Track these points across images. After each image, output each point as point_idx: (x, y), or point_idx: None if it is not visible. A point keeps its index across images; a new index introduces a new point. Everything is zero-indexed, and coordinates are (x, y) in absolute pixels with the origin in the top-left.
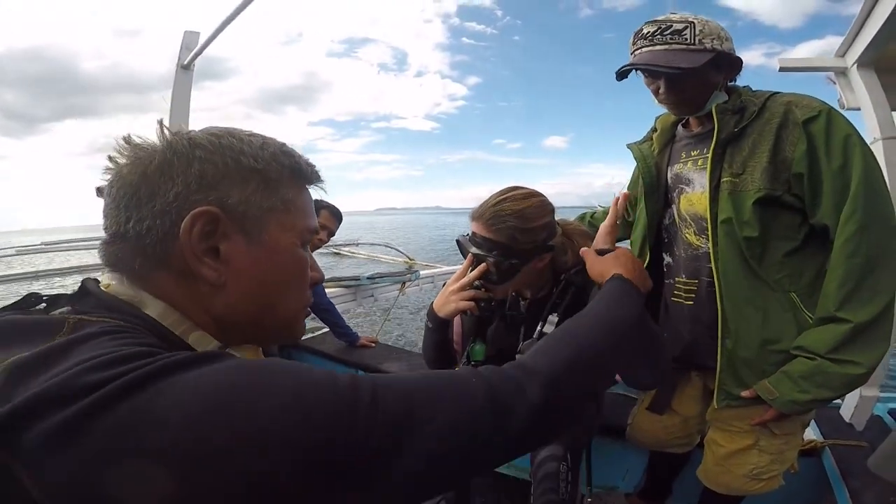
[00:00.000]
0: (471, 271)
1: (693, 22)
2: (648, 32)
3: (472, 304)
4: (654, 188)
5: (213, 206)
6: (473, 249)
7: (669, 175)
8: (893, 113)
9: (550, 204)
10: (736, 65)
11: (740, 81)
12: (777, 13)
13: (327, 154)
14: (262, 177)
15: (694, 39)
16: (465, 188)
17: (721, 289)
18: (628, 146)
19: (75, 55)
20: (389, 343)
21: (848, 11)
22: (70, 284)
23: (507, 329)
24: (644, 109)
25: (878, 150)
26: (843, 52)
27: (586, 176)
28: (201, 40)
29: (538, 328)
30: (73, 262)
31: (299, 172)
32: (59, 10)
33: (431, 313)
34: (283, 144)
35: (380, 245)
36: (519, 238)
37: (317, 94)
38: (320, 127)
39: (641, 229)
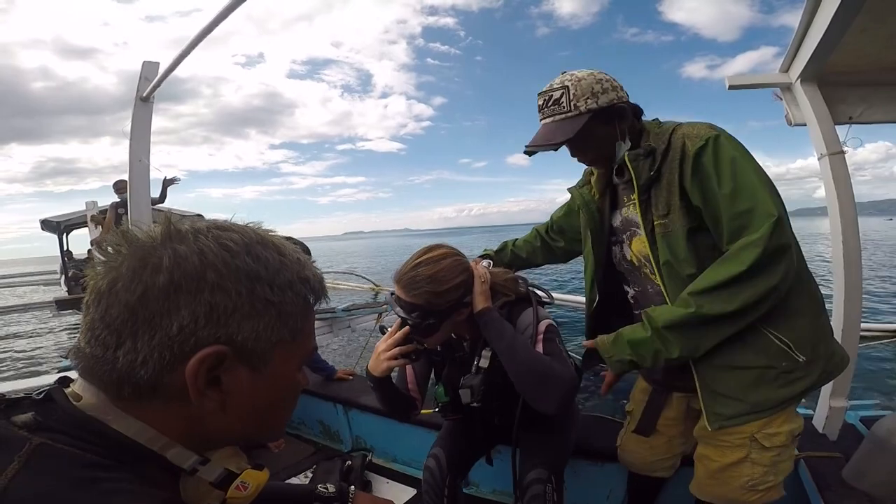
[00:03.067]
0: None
1: (568, 87)
2: (540, 105)
3: (400, 360)
4: (599, 231)
5: (221, 347)
6: (397, 311)
7: (619, 219)
8: (838, 127)
9: (464, 262)
10: (624, 113)
11: (679, 97)
12: (717, 27)
13: (291, 177)
14: (276, 310)
15: (570, 105)
16: (433, 209)
17: None
18: (569, 190)
19: (20, 74)
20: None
21: (778, 23)
22: (8, 321)
23: (459, 369)
24: None
25: (824, 167)
26: (786, 67)
27: (549, 192)
28: (161, 70)
29: (475, 363)
30: (11, 301)
31: (314, 297)
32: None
33: (368, 374)
34: (300, 257)
35: (343, 273)
36: (433, 301)
37: (279, 117)
38: (282, 150)
39: (590, 268)
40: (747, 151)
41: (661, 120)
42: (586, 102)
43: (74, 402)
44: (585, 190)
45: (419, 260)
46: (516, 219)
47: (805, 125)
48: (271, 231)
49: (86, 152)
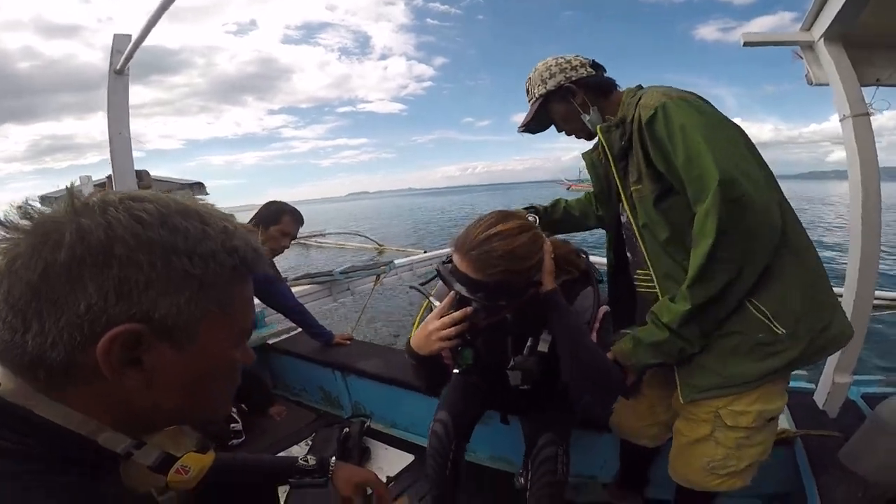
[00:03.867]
0: (453, 309)
1: (529, 78)
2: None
3: (455, 341)
4: (606, 195)
5: (135, 325)
6: (458, 287)
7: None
8: (864, 89)
9: (542, 237)
10: (572, 91)
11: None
12: None
13: (291, 142)
14: (198, 283)
15: (532, 93)
16: (436, 168)
17: (659, 289)
18: (582, 155)
19: (4, 56)
20: (367, 339)
21: None
22: None
23: (494, 339)
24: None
25: (846, 128)
26: (808, 26)
27: (555, 150)
28: (132, 41)
29: (528, 343)
30: None
31: (244, 267)
32: None
33: (412, 351)
34: (227, 226)
35: (348, 234)
36: (510, 280)
37: (276, 83)
38: (281, 115)
39: (607, 231)
40: (699, 112)
41: (646, 86)
42: (538, 89)
43: None
44: (595, 154)
45: (492, 232)
46: (522, 177)
47: (826, 85)
48: (207, 203)
49: (82, 128)
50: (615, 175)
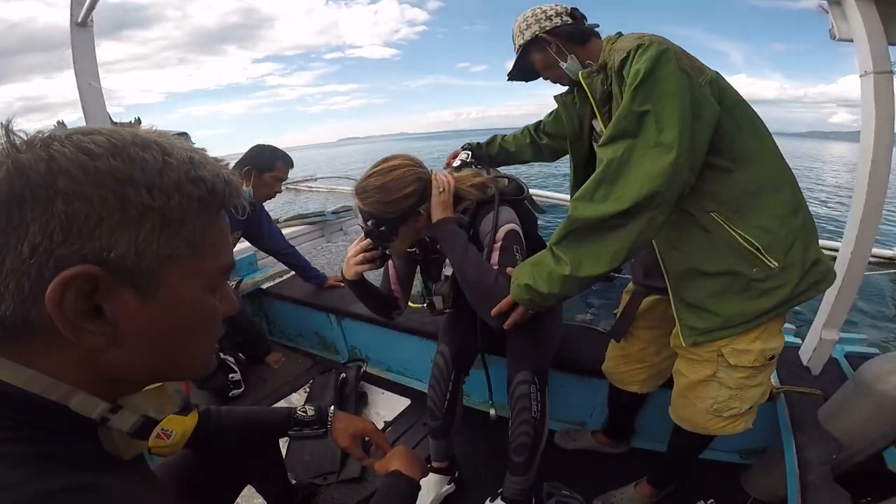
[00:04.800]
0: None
1: (512, 29)
2: None
3: (366, 266)
4: (576, 137)
5: (88, 266)
6: (358, 218)
7: (597, 127)
8: (890, 47)
9: (418, 172)
10: (548, 41)
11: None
12: None
13: (277, 90)
14: (159, 217)
15: (515, 44)
16: (429, 113)
17: None
18: (554, 98)
19: None
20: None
21: None
22: None
23: (429, 269)
24: (606, 29)
25: (866, 85)
26: None
27: (549, 96)
28: None
29: (442, 271)
30: None
31: (213, 199)
32: None
33: (342, 276)
34: (193, 156)
35: (339, 178)
36: (383, 210)
37: (259, 31)
38: (266, 63)
39: (571, 173)
40: (661, 57)
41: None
42: (517, 39)
43: None
44: (569, 98)
45: (373, 171)
46: (517, 122)
47: (850, 41)
48: (173, 135)
49: (52, 87)
50: (599, 118)
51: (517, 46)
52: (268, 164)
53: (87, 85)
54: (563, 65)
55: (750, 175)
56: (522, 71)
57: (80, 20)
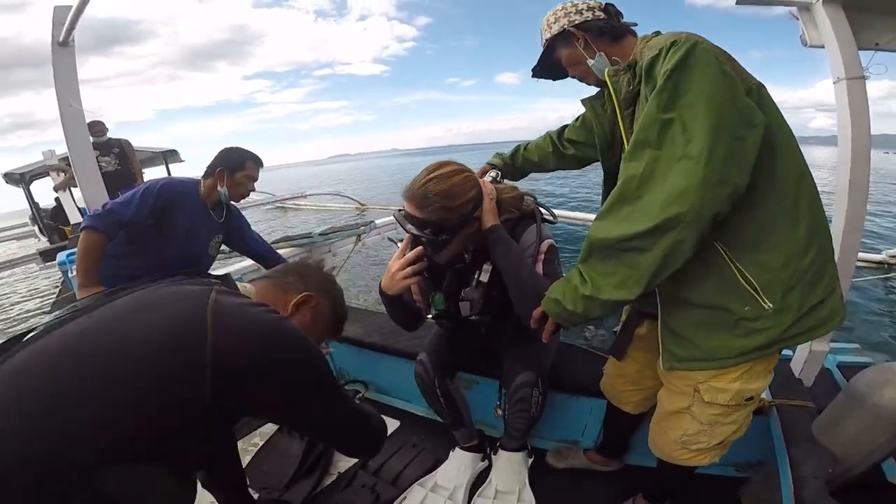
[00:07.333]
0: (409, 249)
1: (540, 23)
2: None
3: (415, 279)
4: (608, 145)
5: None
6: (408, 227)
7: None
8: (860, 53)
9: (474, 178)
10: (577, 35)
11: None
12: None
13: (268, 106)
14: None
15: (541, 40)
16: (420, 128)
17: None
18: (582, 102)
19: None
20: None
21: None
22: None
23: (459, 280)
24: None
25: (840, 91)
26: None
27: (540, 111)
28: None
29: (475, 276)
30: None
31: None
32: None
33: (382, 292)
34: None
35: (329, 194)
36: (446, 216)
37: (249, 48)
38: (257, 80)
39: (603, 183)
40: (696, 56)
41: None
42: (543, 35)
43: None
44: (598, 102)
45: (430, 176)
46: (507, 136)
47: (822, 47)
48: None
49: (41, 104)
50: (620, 122)
51: (544, 41)
52: (239, 164)
53: (67, 106)
54: (591, 62)
55: (768, 203)
56: (548, 68)
57: (61, 40)
